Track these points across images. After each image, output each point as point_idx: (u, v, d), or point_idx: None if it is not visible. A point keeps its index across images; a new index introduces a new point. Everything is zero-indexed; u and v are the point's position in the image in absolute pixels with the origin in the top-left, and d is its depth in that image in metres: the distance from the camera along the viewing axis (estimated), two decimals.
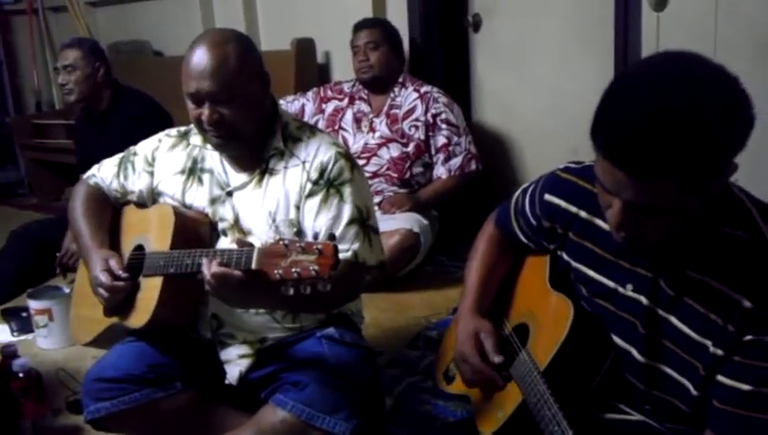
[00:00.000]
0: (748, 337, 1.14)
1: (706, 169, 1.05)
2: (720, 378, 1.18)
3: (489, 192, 3.47)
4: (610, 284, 1.33)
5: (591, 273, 1.37)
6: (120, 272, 1.72)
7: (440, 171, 3.18)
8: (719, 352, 1.17)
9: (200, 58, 1.62)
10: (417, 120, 3.15)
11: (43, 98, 5.73)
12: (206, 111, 1.63)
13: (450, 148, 3.15)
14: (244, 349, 1.77)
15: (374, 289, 2.76)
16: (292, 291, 1.37)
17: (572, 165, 1.44)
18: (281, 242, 1.39)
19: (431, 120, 3.15)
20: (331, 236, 1.42)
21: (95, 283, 1.74)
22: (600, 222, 1.34)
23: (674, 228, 1.15)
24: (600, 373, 1.34)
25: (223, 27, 1.75)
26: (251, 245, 1.47)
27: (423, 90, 3.19)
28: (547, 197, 1.44)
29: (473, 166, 3.19)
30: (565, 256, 1.44)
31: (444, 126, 3.14)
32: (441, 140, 3.16)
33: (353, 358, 1.74)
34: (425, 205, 3.14)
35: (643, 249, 1.21)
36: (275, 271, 1.37)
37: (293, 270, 1.35)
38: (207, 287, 1.50)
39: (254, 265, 1.42)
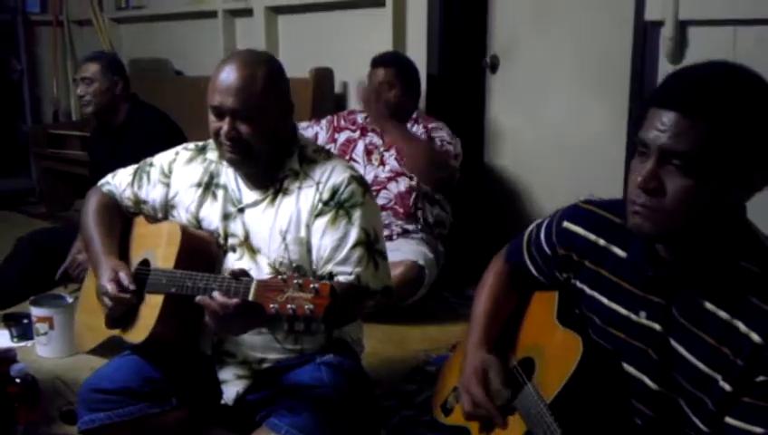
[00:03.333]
0: (760, 378, 1.14)
1: (737, 138, 1.11)
2: (730, 420, 1.18)
3: (497, 233, 3.47)
4: (623, 311, 1.34)
5: (605, 301, 1.38)
6: (129, 284, 1.73)
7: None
8: (728, 387, 1.17)
9: (229, 74, 1.65)
10: None
11: (60, 108, 5.79)
12: (225, 126, 1.66)
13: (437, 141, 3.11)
14: (242, 370, 1.77)
15: (375, 319, 2.76)
16: (286, 326, 1.39)
17: (593, 198, 1.47)
18: (279, 277, 1.40)
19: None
20: (330, 276, 1.42)
21: (101, 290, 1.75)
22: (616, 250, 1.36)
23: (689, 206, 1.14)
24: (609, 407, 1.34)
25: (257, 49, 1.78)
26: (247, 275, 1.49)
27: (431, 125, 3.20)
28: (566, 224, 1.45)
29: (451, 162, 3.08)
30: (578, 284, 1.44)
31: (438, 142, 3.12)
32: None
33: (351, 386, 1.74)
34: (396, 129, 3.07)
35: (656, 223, 1.18)
36: (271, 305, 1.38)
37: (289, 306, 1.36)
38: (210, 316, 1.51)
39: (250, 298, 1.44)
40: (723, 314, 1.19)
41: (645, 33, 2.77)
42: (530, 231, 1.57)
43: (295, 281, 1.38)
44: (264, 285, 1.42)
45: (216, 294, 1.49)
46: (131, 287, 1.72)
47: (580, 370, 1.34)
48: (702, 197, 1.14)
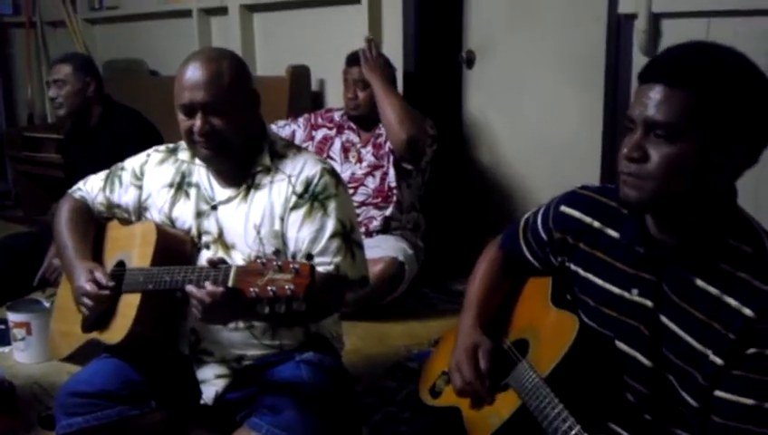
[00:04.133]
0: (751, 350, 1.15)
1: (719, 108, 1.15)
2: (720, 393, 1.19)
3: (476, 227, 3.49)
4: (616, 290, 1.36)
5: (599, 281, 1.40)
6: (106, 281, 1.72)
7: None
8: (719, 360, 1.18)
9: (195, 71, 1.66)
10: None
11: (35, 111, 5.73)
12: (197, 122, 1.65)
13: None
14: (221, 369, 1.76)
15: (356, 317, 2.76)
16: (267, 309, 1.38)
17: (590, 185, 1.51)
18: (258, 260, 1.40)
19: None
20: (309, 256, 1.43)
21: (79, 292, 1.74)
22: (610, 231, 1.39)
23: (673, 172, 1.18)
24: (602, 384, 1.36)
25: (216, 46, 1.79)
26: (224, 262, 1.50)
27: None
28: (563, 208, 1.49)
29: (425, 125, 3.08)
30: (573, 267, 1.47)
31: None
32: None
33: (332, 384, 1.73)
34: (382, 82, 3.08)
35: (642, 190, 1.21)
36: (251, 289, 1.38)
37: (269, 288, 1.36)
38: (196, 305, 1.51)
39: (230, 283, 1.44)
40: (713, 290, 1.21)
41: (618, 27, 2.79)
42: (526, 218, 1.61)
43: (275, 263, 1.39)
44: (243, 270, 1.43)
45: (206, 283, 1.48)
46: (109, 284, 1.72)
47: (576, 347, 1.37)
48: (685, 164, 1.17)
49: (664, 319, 1.28)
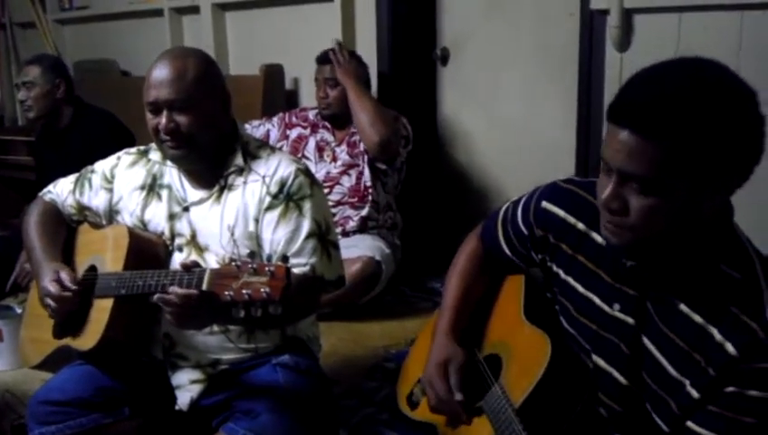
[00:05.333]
0: (730, 389, 1.12)
1: (698, 153, 1.06)
2: (693, 426, 1.17)
3: (452, 225, 3.49)
4: (597, 301, 1.31)
5: (580, 288, 1.35)
6: (70, 283, 1.69)
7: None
8: (695, 393, 1.16)
9: (161, 69, 1.66)
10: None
11: (6, 113, 5.64)
12: (162, 120, 1.64)
13: None
14: (196, 374, 1.74)
15: (334, 317, 2.74)
16: (242, 313, 1.36)
17: (574, 177, 1.44)
18: (233, 263, 1.38)
19: None
20: (285, 259, 1.41)
21: (43, 292, 1.71)
22: (595, 236, 1.32)
23: (657, 222, 1.12)
24: (575, 411, 1.33)
25: (187, 46, 1.77)
26: (198, 266, 1.47)
27: None
28: (545, 204, 1.41)
29: (398, 125, 3.06)
30: (554, 268, 1.41)
31: None
32: None
33: (308, 387, 1.72)
34: (356, 89, 3.06)
35: (625, 238, 1.17)
36: (226, 292, 1.36)
37: (244, 292, 1.34)
38: (167, 310, 1.48)
39: (204, 287, 1.42)
40: (697, 319, 1.16)
41: (592, 22, 2.80)
42: (505, 209, 1.54)
43: (249, 266, 1.36)
44: (217, 274, 1.41)
45: (174, 287, 1.46)
46: (73, 287, 1.69)
47: (548, 374, 1.32)
48: (669, 213, 1.11)
49: (646, 341, 1.24)
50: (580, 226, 1.35)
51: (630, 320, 1.26)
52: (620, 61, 2.68)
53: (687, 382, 1.17)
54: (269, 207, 1.69)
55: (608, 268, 1.30)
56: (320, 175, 3.14)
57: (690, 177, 1.08)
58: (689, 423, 1.17)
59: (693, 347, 1.17)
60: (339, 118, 3.20)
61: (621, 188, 1.12)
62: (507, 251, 1.53)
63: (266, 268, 1.35)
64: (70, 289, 1.69)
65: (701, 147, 1.06)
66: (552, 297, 1.46)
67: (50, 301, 1.70)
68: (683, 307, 1.18)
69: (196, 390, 1.73)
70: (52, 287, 1.69)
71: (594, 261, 1.33)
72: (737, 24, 2.43)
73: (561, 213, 1.39)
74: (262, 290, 1.33)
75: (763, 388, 1.10)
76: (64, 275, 1.70)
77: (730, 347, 1.12)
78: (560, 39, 3.07)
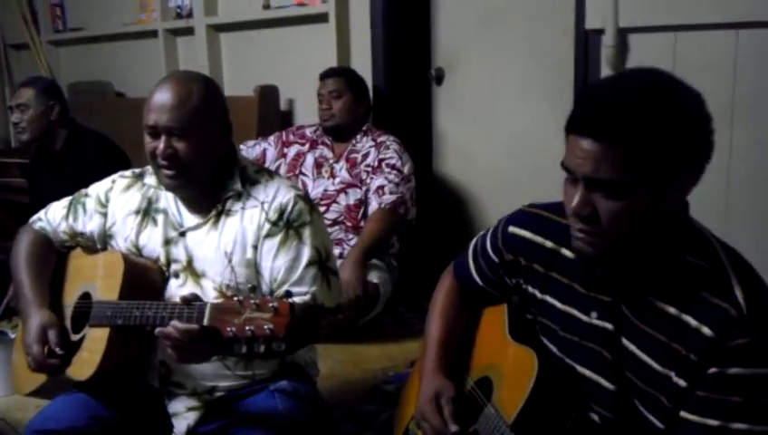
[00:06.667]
0: (712, 370, 1.14)
1: (655, 152, 1.13)
2: (685, 415, 1.17)
3: (450, 243, 3.47)
4: (576, 313, 1.34)
5: (558, 304, 1.38)
6: (57, 348, 1.66)
7: (372, 207, 3.08)
8: (682, 382, 1.17)
9: (163, 93, 1.63)
10: (369, 165, 3.14)
11: None
12: (161, 145, 1.62)
13: (385, 189, 3.06)
14: (193, 401, 1.72)
15: (332, 339, 2.71)
16: (244, 349, 1.33)
17: (536, 202, 1.48)
18: (235, 298, 1.36)
19: (376, 164, 3.12)
20: (288, 294, 1.39)
21: (26, 350, 1.68)
22: (565, 251, 1.36)
23: (626, 224, 1.17)
24: (569, 420, 1.33)
25: (190, 70, 1.76)
26: (198, 299, 1.45)
27: (380, 139, 3.19)
28: (511, 229, 1.45)
29: (401, 210, 3.06)
30: (530, 289, 1.44)
31: (387, 169, 3.08)
32: (378, 183, 3.07)
33: (307, 413, 1.70)
34: (368, 252, 2.96)
35: (597, 246, 1.21)
36: (228, 328, 1.34)
37: (247, 328, 1.32)
38: (168, 344, 1.45)
39: (205, 322, 1.39)
40: (671, 310, 1.20)
41: (587, 42, 2.79)
42: (475, 243, 1.58)
43: (252, 302, 1.34)
44: (218, 309, 1.38)
45: (175, 322, 1.43)
46: (59, 352, 1.66)
47: (538, 386, 1.33)
48: (636, 213, 1.17)
49: (625, 342, 1.27)
50: (549, 244, 1.40)
51: (609, 325, 1.29)
52: None
53: (673, 374, 1.19)
54: (268, 235, 1.67)
55: (580, 279, 1.34)
56: (317, 192, 3.14)
57: (651, 176, 1.14)
58: (682, 413, 1.18)
59: (671, 338, 1.19)
60: (342, 129, 3.22)
61: (589, 195, 1.18)
62: (480, 282, 1.55)
63: (269, 304, 1.33)
64: (56, 355, 1.65)
65: (657, 146, 1.13)
66: (532, 319, 1.47)
67: (31, 361, 1.67)
68: (656, 303, 1.22)
69: (192, 417, 1.71)
70: (36, 349, 1.65)
71: (567, 275, 1.36)
72: (733, 43, 2.43)
73: (528, 235, 1.43)
74: (265, 327, 1.31)
75: (743, 364, 1.13)
76: (52, 337, 1.66)
77: (706, 329, 1.15)
78: (555, 59, 3.07)
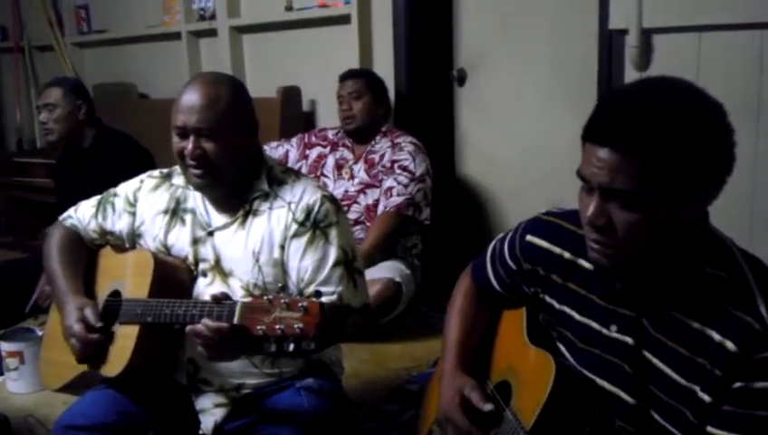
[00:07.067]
0: (737, 384, 1.13)
1: (674, 165, 1.10)
2: (712, 429, 1.16)
3: (472, 244, 3.47)
4: (595, 325, 1.32)
5: (576, 316, 1.36)
6: (95, 322, 1.69)
7: (379, 209, 3.09)
8: (707, 397, 1.16)
9: (192, 94, 1.65)
10: (383, 166, 3.15)
11: (24, 136, 5.70)
12: (189, 145, 1.64)
13: (393, 190, 3.06)
14: (220, 398, 1.73)
15: (355, 339, 2.72)
16: (274, 347, 1.35)
17: (555, 209, 1.46)
18: (264, 297, 1.37)
19: (389, 165, 3.12)
20: (317, 294, 1.40)
21: (68, 332, 1.71)
22: (583, 262, 1.34)
23: (642, 236, 1.15)
24: (587, 427, 1.32)
25: (220, 71, 1.77)
26: (228, 298, 1.47)
27: (396, 140, 3.19)
28: (529, 238, 1.43)
29: (408, 211, 3.06)
30: (548, 299, 1.42)
31: (398, 171, 3.09)
32: (387, 184, 3.08)
33: (332, 411, 1.71)
34: (366, 258, 2.88)
35: (612, 257, 1.19)
36: (258, 327, 1.35)
37: (277, 327, 1.33)
38: (198, 342, 1.47)
39: (235, 320, 1.41)
40: (695, 325, 1.17)
41: (610, 42, 2.79)
42: (493, 247, 1.56)
43: (282, 301, 1.36)
44: (249, 307, 1.40)
45: (206, 320, 1.46)
46: (98, 325, 1.69)
47: (555, 392, 1.32)
48: (653, 226, 1.14)
49: (647, 355, 1.25)
50: (567, 254, 1.37)
51: (629, 339, 1.27)
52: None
53: (698, 388, 1.17)
54: (295, 235, 1.68)
55: (599, 292, 1.32)
56: (338, 193, 3.15)
57: (669, 188, 1.11)
58: (709, 428, 1.17)
59: (695, 352, 1.18)
60: (362, 131, 3.24)
61: (605, 205, 1.15)
62: (498, 287, 1.54)
63: (299, 304, 1.34)
64: (96, 329, 1.68)
65: (677, 158, 1.10)
66: (550, 328, 1.45)
67: (75, 341, 1.70)
68: (678, 316, 1.20)
69: (219, 414, 1.72)
70: (78, 327, 1.68)
71: (585, 287, 1.35)
72: (757, 43, 2.42)
73: (545, 245, 1.41)
74: (295, 326, 1.32)
75: None
76: (89, 314, 1.70)
77: (730, 344, 1.13)
78: (577, 59, 3.07)
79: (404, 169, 3.09)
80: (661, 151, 1.09)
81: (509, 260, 1.49)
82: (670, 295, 1.21)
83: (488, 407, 1.41)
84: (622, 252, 1.17)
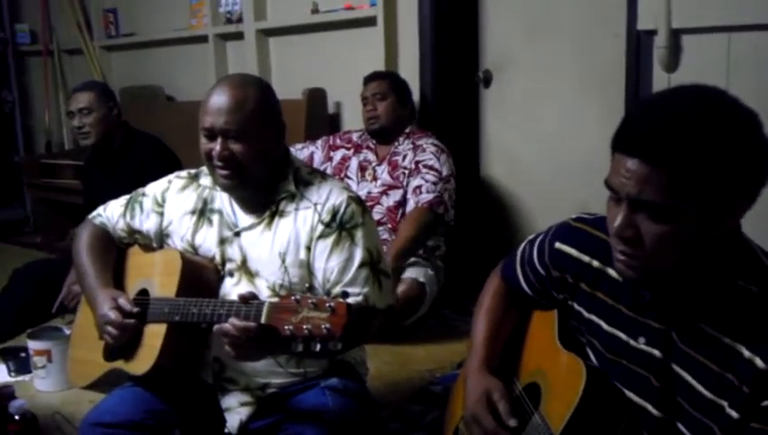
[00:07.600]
0: (766, 403, 1.10)
1: (706, 178, 1.08)
2: None
3: (496, 246, 3.46)
4: (623, 336, 1.30)
5: (604, 325, 1.34)
6: (131, 308, 1.71)
7: (409, 206, 3.08)
8: (735, 414, 1.13)
9: (220, 96, 1.66)
10: (406, 167, 3.15)
11: (53, 138, 5.77)
12: (217, 147, 1.65)
13: (423, 188, 3.06)
14: (246, 397, 1.74)
15: (378, 340, 2.72)
16: (301, 347, 1.36)
17: (585, 215, 1.44)
18: (292, 297, 1.38)
19: (413, 166, 3.12)
20: (344, 295, 1.41)
21: (103, 320, 1.72)
22: (611, 272, 1.31)
23: (670, 249, 1.13)
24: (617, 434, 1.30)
25: (246, 72, 1.78)
26: (256, 298, 1.47)
27: (419, 142, 3.19)
28: (558, 245, 1.42)
29: (439, 209, 3.04)
30: (576, 307, 1.41)
31: (424, 170, 3.08)
32: (416, 183, 3.08)
33: (357, 411, 1.71)
34: (403, 254, 2.95)
35: (639, 270, 1.17)
36: (285, 326, 1.36)
37: (305, 327, 1.34)
38: (226, 341, 1.48)
39: (263, 320, 1.42)
40: (725, 339, 1.15)
41: (638, 43, 2.77)
42: (523, 249, 1.55)
43: (309, 301, 1.36)
44: (276, 307, 1.41)
45: (233, 319, 1.46)
46: (134, 311, 1.71)
47: (586, 397, 1.30)
48: (682, 239, 1.12)
49: (676, 368, 1.22)
50: (595, 263, 1.36)
51: (657, 352, 1.25)
52: (669, 81, 2.64)
53: (726, 404, 1.15)
54: (321, 236, 1.68)
55: (627, 302, 1.30)
56: (361, 194, 3.13)
57: (700, 201, 1.09)
58: None
59: (724, 368, 1.15)
60: (386, 131, 3.24)
61: (633, 217, 1.13)
62: (528, 291, 1.53)
63: (327, 304, 1.34)
64: (132, 315, 1.70)
65: (708, 171, 1.07)
66: (580, 335, 1.44)
67: (111, 329, 1.71)
68: (708, 330, 1.17)
69: (245, 412, 1.73)
70: (114, 315, 1.70)
71: (613, 297, 1.33)
72: None
73: (574, 253, 1.39)
74: (323, 326, 1.33)
75: None
76: (123, 302, 1.72)
77: (759, 361, 1.11)
78: (604, 60, 3.04)
79: (430, 168, 3.09)
80: (691, 164, 1.07)
81: (538, 266, 1.48)
82: (700, 308, 1.18)
83: (513, 422, 1.40)
84: (649, 264, 1.15)
